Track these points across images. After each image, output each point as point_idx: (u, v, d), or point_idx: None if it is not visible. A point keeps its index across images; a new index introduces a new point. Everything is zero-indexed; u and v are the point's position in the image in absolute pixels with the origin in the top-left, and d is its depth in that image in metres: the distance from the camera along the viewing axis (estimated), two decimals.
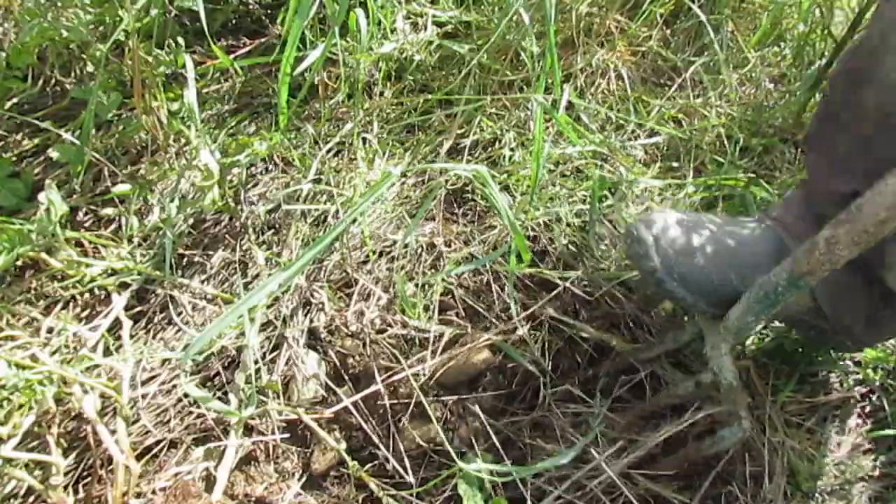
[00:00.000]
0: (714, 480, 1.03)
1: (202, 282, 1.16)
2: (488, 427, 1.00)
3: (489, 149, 1.34)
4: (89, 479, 0.95)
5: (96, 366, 1.02)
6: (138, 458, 0.96)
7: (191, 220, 1.22)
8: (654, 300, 1.16)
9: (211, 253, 1.20)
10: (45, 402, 0.93)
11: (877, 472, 1.10)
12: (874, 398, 1.19)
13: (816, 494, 1.05)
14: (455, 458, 0.93)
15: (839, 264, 0.81)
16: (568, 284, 1.14)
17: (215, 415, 0.99)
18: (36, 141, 1.31)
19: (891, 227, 0.75)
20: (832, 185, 0.94)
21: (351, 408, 0.98)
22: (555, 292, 1.12)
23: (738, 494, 1.01)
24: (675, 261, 0.96)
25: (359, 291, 1.12)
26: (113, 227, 1.23)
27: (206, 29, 1.24)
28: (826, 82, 0.98)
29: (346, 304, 1.12)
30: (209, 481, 0.93)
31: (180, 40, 1.28)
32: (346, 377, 1.03)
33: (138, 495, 0.90)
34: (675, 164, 1.39)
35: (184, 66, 1.24)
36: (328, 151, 1.30)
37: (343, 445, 0.96)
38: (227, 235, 1.22)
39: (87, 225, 1.23)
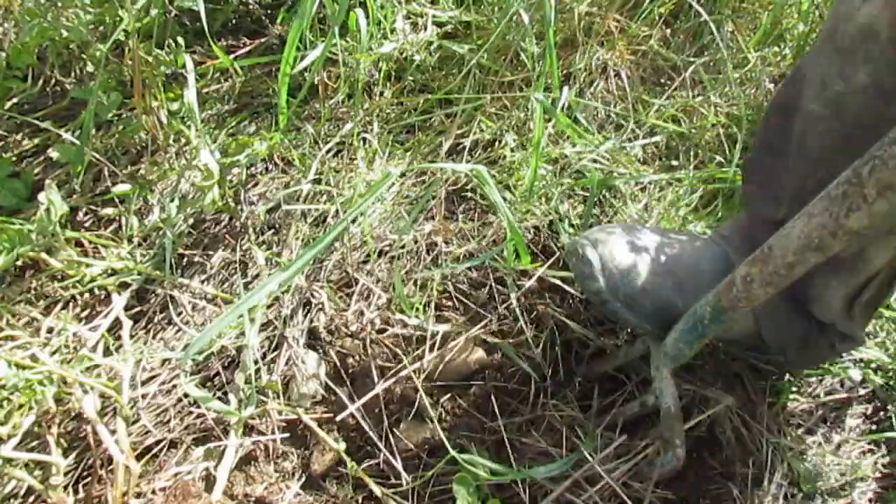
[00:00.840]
0: (715, 481, 1.03)
1: (202, 282, 1.16)
2: (484, 427, 1.00)
3: (489, 149, 1.34)
4: (89, 479, 0.95)
5: (96, 366, 1.02)
6: (138, 458, 0.96)
7: (191, 220, 1.22)
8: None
9: (211, 253, 1.20)
10: (45, 402, 0.93)
11: (877, 473, 1.10)
12: (875, 399, 1.19)
13: (817, 495, 1.05)
14: (454, 456, 0.93)
15: (757, 301, 0.82)
16: (567, 287, 1.14)
17: (215, 415, 0.99)
18: (36, 141, 1.31)
19: (800, 271, 0.75)
20: (765, 211, 0.96)
21: (354, 411, 0.98)
22: (528, 282, 1.12)
23: (737, 495, 1.01)
24: (620, 282, 0.95)
25: (359, 291, 1.12)
26: (113, 227, 1.23)
27: (206, 29, 1.24)
28: (766, 109, 1.00)
29: (346, 303, 1.12)
30: (209, 481, 0.93)
31: (180, 40, 1.28)
32: (346, 377, 1.03)
33: (138, 495, 0.90)
34: (674, 163, 1.39)
35: (184, 66, 1.24)
36: (328, 151, 1.30)
37: (343, 446, 0.96)
38: (227, 235, 1.22)
39: (87, 225, 1.23)
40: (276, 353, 1.06)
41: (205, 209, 1.13)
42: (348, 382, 1.03)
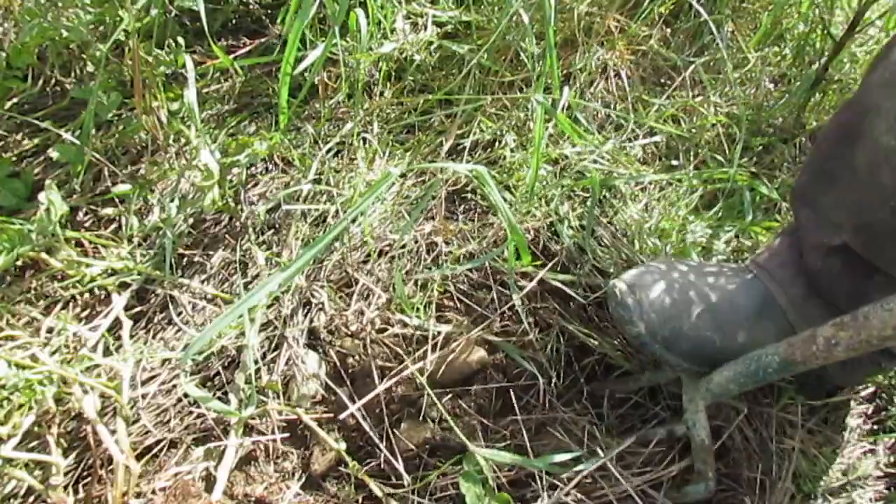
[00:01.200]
0: (721, 483, 1.03)
1: (202, 282, 1.16)
2: (486, 427, 1.00)
3: (489, 149, 1.34)
4: (89, 479, 0.94)
5: (96, 366, 1.02)
6: (138, 458, 0.95)
7: (191, 220, 1.22)
8: None
9: (211, 253, 1.20)
10: (45, 402, 0.93)
11: (879, 473, 1.09)
12: (876, 399, 1.19)
13: (819, 495, 1.05)
14: (460, 453, 0.93)
15: (836, 360, 0.82)
16: (568, 290, 1.14)
17: (215, 415, 0.99)
18: (36, 141, 1.30)
19: (892, 343, 0.75)
20: (821, 237, 0.95)
21: (355, 412, 0.98)
22: (528, 284, 1.12)
23: (744, 499, 1.01)
24: (659, 325, 0.96)
25: (359, 291, 1.12)
26: (113, 227, 1.23)
27: (206, 29, 1.24)
28: (819, 135, 0.99)
29: (346, 303, 1.11)
30: (209, 481, 0.93)
31: (180, 40, 1.28)
32: (346, 377, 1.03)
33: (138, 495, 0.90)
34: (674, 163, 1.39)
35: (184, 66, 1.23)
36: (328, 151, 1.30)
37: (343, 446, 0.96)
38: (227, 235, 1.22)
39: (87, 225, 1.23)
40: (276, 353, 1.06)
41: (205, 209, 1.13)
42: (348, 382, 1.02)
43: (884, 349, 0.94)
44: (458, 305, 1.12)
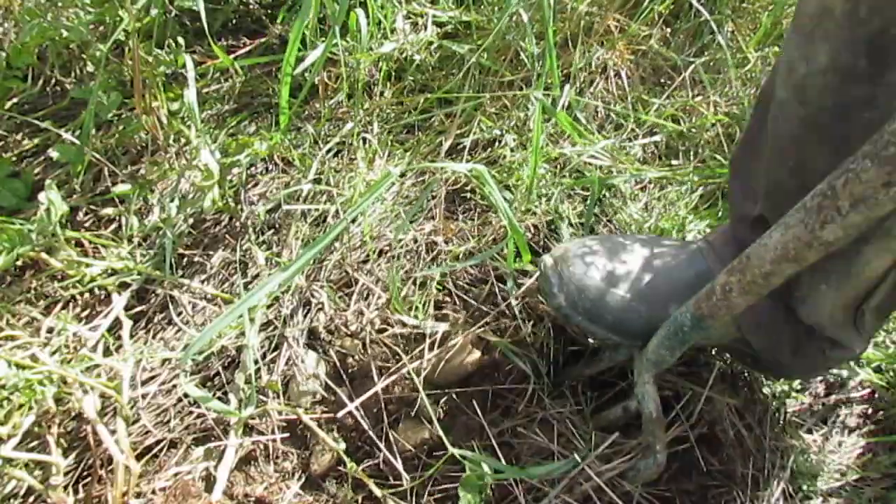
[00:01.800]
0: (715, 478, 1.03)
1: (202, 282, 1.16)
2: (482, 427, 1.00)
3: (489, 149, 1.34)
4: (89, 479, 0.94)
5: (96, 366, 1.02)
6: (138, 458, 0.95)
7: (191, 220, 1.22)
8: None
9: (211, 253, 1.20)
10: (44, 402, 0.93)
11: (878, 474, 1.09)
12: (875, 399, 1.19)
13: (817, 495, 1.05)
14: (454, 456, 0.93)
15: (738, 310, 0.82)
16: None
17: (215, 415, 0.99)
18: (36, 141, 1.30)
19: (777, 280, 0.76)
20: (745, 208, 0.95)
21: (353, 410, 0.98)
22: (528, 281, 1.12)
23: (738, 495, 1.01)
24: (579, 297, 0.96)
25: (358, 291, 1.12)
26: (113, 227, 1.23)
27: (206, 29, 1.24)
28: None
29: (345, 303, 1.11)
30: (209, 481, 0.93)
31: (180, 40, 1.28)
32: (345, 377, 1.03)
33: (138, 495, 0.90)
34: (674, 163, 1.39)
35: (184, 66, 1.23)
36: (328, 151, 1.30)
37: (342, 446, 0.96)
38: (227, 235, 1.22)
39: (87, 225, 1.23)
40: (275, 353, 1.06)
41: (205, 209, 1.13)
42: (348, 382, 1.02)
43: (825, 336, 0.95)
44: (457, 302, 1.12)
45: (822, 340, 0.97)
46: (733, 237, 1.00)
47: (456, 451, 0.92)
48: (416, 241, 1.18)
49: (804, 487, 1.06)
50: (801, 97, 0.79)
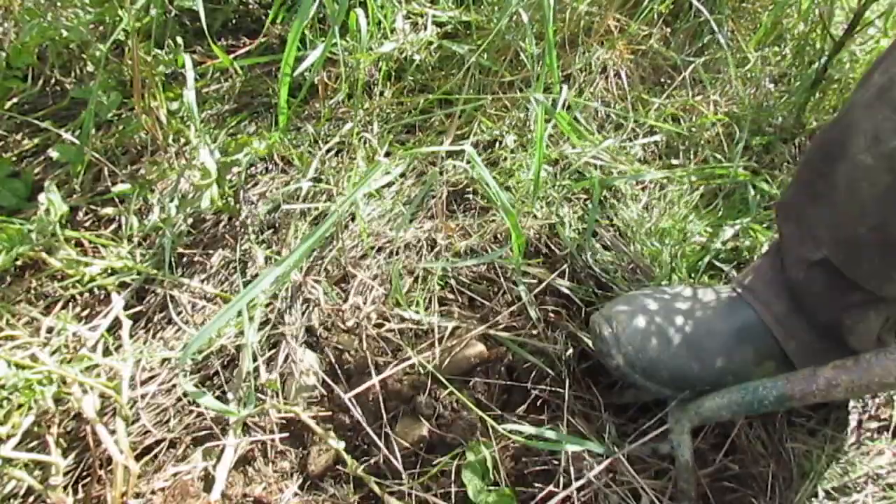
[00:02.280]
0: (732, 484, 1.03)
1: (202, 281, 1.16)
2: (485, 423, 1.00)
3: (489, 150, 1.34)
4: (89, 479, 0.94)
5: (96, 366, 1.02)
6: (137, 458, 0.95)
7: (190, 220, 1.22)
8: None
9: (210, 252, 1.20)
10: (44, 402, 0.93)
11: (881, 473, 1.09)
12: (877, 398, 1.18)
13: (821, 494, 1.04)
14: (456, 447, 0.93)
15: (834, 399, 0.84)
16: (571, 294, 1.13)
17: (214, 414, 0.99)
18: (36, 141, 1.30)
19: (891, 390, 0.79)
20: (804, 251, 0.97)
21: (348, 403, 0.98)
22: (534, 282, 1.12)
23: (749, 496, 1.01)
24: (636, 356, 0.99)
25: (356, 287, 1.12)
26: (113, 226, 1.23)
27: (205, 29, 1.24)
28: (806, 151, 1.01)
29: (343, 299, 1.11)
30: (208, 481, 0.92)
31: (179, 40, 1.28)
32: (342, 374, 1.02)
33: (137, 495, 0.90)
34: (674, 162, 1.39)
35: (183, 66, 1.23)
36: (328, 151, 1.29)
37: (342, 445, 0.96)
38: (226, 235, 1.21)
39: (86, 225, 1.23)
40: (273, 351, 1.06)
41: (203, 209, 1.12)
42: (345, 380, 1.02)
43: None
44: (460, 299, 1.12)
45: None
46: (776, 277, 1.02)
47: (488, 417, 0.92)
48: (416, 238, 1.18)
49: (807, 487, 1.05)
50: (890, 165, 0.80)
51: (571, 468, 0.94)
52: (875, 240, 0.85)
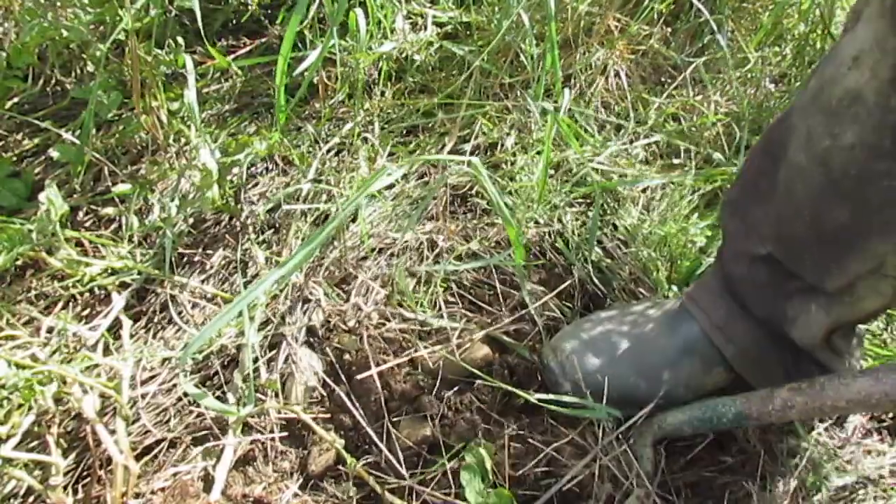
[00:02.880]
0: (725, 475, 1.03)
1: (202, 281, 1.16)
2: (488, 425, 1.00)
3: (489, 152, 1.34)
4: (89, 479, 0.94)
5: (96, 365, 1.01)
6: (138, 458, 0.95)
7: (191, 220, 1.22)
8: None
9: (211, 252, 1.20)
10: (44, 402, 0.93)
11: (882, 472, 1.09)
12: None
13: (819, 493, 1.04)
14: (458, 447, 0.93)
15: (789, 420, 0.89)
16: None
17: (214, 414, 0.98)
18: (36, 141, 1.30)
19: (845, 413, 0.85)
20: (748, 247, 0.99)
21: (345, 399, 0.97)
22: (535, 286, 1.12)
23: (745, 494, 1.00)
24: (585, 382, 1.00)
25: (357, 287, 1.12)
26: (113, 226, 1.23)
27: (202, 29, 1.24)
28: (751, 149, 1.04)
29: (344, 300, 1.11)
30: (208, 481, 0.92)
31: (180, 40, 1.28)
32: (343, 374, 1.02)
33: (137, 495, 0.90)
34: (675, 161, 1.39)
35: (183, 66, 1.23)
36: (328, 151, 1.29)
37: (342, 443, 0.95)
38: (227, 235, 1.21)
39: (87, 225, 1.23)
40: (274, 351, 1.06)
41: (203, 207, 1.12)
42: (346, 380, 1.02)
43: (813, 359, 1.00)
44: (462, 303, 1.12)
45: (809, 364, 1.01)
46: (716, 283, 1.04)
47: (455, 448, 0.91)
48: (417, 239, 1.18)
49: (807, 485, 1.05)
50: (823, 166, 0.84)
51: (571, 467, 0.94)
52: (812, 236, 0.88)
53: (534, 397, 0.95)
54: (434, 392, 1.00)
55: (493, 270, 1.15)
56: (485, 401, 1.01)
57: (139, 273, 1.14)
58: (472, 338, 1.04)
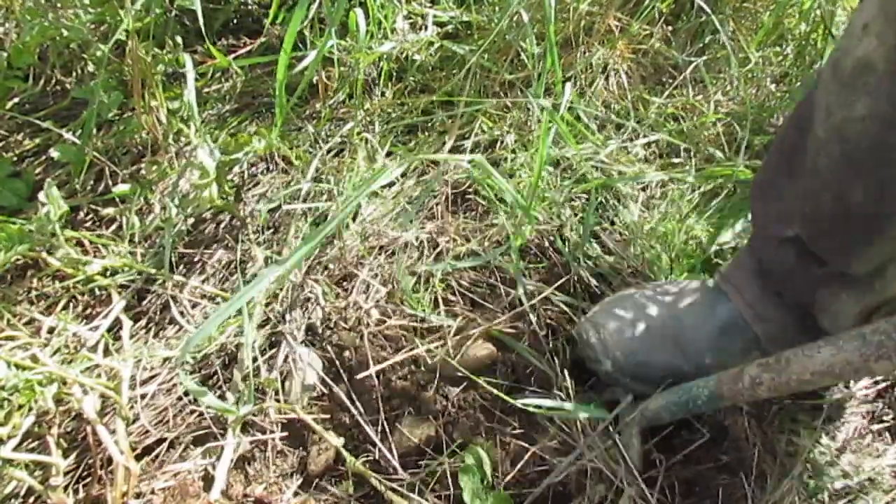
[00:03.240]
0: (723, 473, 1.02)
1: (202, 281, 1.16)
2: (490, 423, 0.99)
3: (489, 150, 1.33)
4: (89, 479, 0.94)
5: (96, 366, 1.01)
6: (138, 458, 0.95)
7: (191, 220, 1.21)
8: None
9: (211, 252, 1.20)
10: (44, 402, 0.92)
11: (883, 472, 1.08)
12: (880, 399, 1.17)
13: (823, 495, 1.04)
14: (460, 446, 0.92)
15: (760, 398, 0.86)
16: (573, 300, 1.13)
17: (213, 413, 0.98)
18: (37, 141, 1.30)
19: (809, 387, 0.80)
20: (776, 229, 0.98)
21: (343, 398, 0.97)
22: (534, 287, 1.11)
23: (742, 495, 1.00)
24: (624, 361, 0.99)
25: (357, 286, 1.11)
26: (114, 226, 1.22)
27: (203, 29, 1.23)
28: (778, 129, 1.03)
29: (344, 298, 1.11)
30: (208, 481, 0.92)
31: (179, 39, 1.28)
32: (343, 372, 1.02)
33: (137, 495, 0.89)
34: (675, 161, 1.38)
35: (183, 66, 1.23)
36: (329, 151, 1.29)
37: (341, 441, 0.95)
38: (227, 235, 1.21)
39: (87, 224, 1.23)
40: (274, 350, 1.05)
41: (201, 204, 1.12)
42: (346, 378, 1.01)
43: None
44: (462, 301, 1.11)
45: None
46: (749, 262, 1.02)
47: (455, 448, 0.91)
48: (417, 238, 1.17)
49: (808, 486, 1.04)
50: (839, 138, 0.83)
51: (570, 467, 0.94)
52: (837, 211, 0.86)
53: (518, 402, 0.94)
54: (436, 390, 1.00)
55: (495, 271, 1.15)
56: (487, 398, 1.01)
57: (140, 273, 1.14)
58: (471, 333, 1.03)
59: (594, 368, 1.01)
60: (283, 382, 1.02)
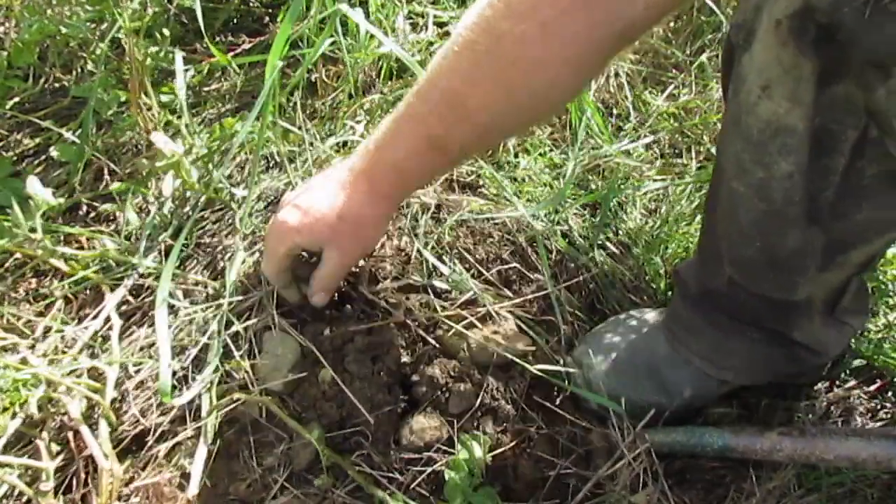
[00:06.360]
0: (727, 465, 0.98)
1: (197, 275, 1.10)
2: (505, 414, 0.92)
3: (491, 154, 1.27)
4: (74, 481, 0.88)
5: (86, 367, 0.95)
6: (120, 456, 0.88)
7: (185, 216, 1.16)
8: None
9: (208, 250, 1.14)
10: (30, 406, 0.87)
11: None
12: (881, 396, 1.10)
13: (822, 490, 0.97)
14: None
15: (771, 461, 0.89)
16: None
17: (194, 408, 0.90)
18: (37, 140, 1.26)
19: (832, 465, 0.85)
20: (719, 267, 0.90)
21: (333, 390, 0.89)
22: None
23: (739, 480, 0.94)
24: (611, 398, 0.95)
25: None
26: (110, 224, 1.17)
27: (202, 28, 1.19)
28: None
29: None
30: (185, 479, 0.85)
31: (166, 31, 1.24)
32: (323, 359, 0.90)
33: (119, 497, 0.83)
34: (676, 161, 1.33)
35: (173, 61, 1.18)
36: (328, 151, 1.24)
37: (316, 434, 0.85)
38: (222, 231, 1.16)
39: (85, 222, 1.18)
40: (254, 338, 0.97)
41: (166, 194, 1.07)
42: (331, 367, 0.92)
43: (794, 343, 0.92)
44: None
45: (796, 348, 0.95)
46: (690, 301, 0.97)
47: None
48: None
49: (808, 483, 0.98)
50: (762, 196, 0.74)
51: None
52: (765, 260, 0.81)
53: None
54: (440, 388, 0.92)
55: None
56: (517, 390, 0.94)
57: (134, 269, 1.09)
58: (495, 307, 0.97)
59: (586, 406, 0.98)
60: (256, 370, 0.91)
